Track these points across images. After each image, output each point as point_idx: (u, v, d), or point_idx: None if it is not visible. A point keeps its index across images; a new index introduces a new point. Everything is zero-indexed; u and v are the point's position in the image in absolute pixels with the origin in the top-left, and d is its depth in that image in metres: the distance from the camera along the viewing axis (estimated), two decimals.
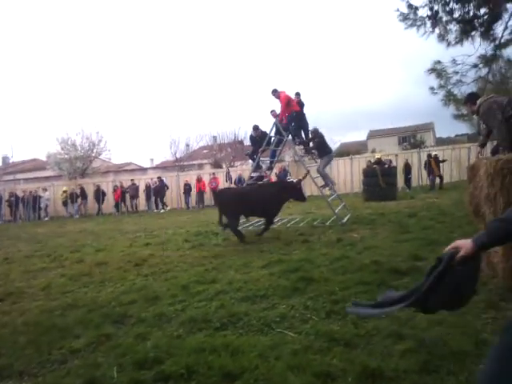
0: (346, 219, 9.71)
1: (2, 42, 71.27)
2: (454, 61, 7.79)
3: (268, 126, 11.04)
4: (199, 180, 21.56)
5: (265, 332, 3.47)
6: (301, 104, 11.26)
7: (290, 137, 10.97)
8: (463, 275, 1.62)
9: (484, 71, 7.79)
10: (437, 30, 7.75)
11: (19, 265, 7.68)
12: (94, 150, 30.52)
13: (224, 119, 72.73)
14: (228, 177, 22.23)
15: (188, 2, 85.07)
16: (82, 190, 22.79)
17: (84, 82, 79.45)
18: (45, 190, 23.58)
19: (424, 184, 20.34)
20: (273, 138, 10.99)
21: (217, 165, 33.10)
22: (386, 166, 16.93)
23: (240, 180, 19.82)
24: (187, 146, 37.68)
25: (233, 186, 21.11)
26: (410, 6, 7.80)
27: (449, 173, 20.46)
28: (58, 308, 4.60)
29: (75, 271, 6.59)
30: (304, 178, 9.66)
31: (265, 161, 12.06)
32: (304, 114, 11.28)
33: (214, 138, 39.02)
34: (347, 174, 21.45)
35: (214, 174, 22.74)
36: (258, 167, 11.55)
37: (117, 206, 22.41)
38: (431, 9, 7.60)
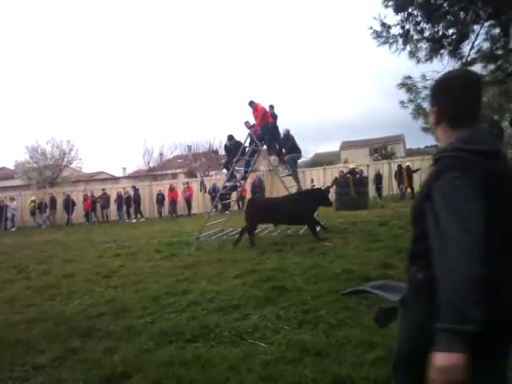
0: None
1: None
2: (423, 76, 8.09)
3: (242, 136, 11.08)
4: (172, 189, 21.31)
5: (237, 343, 3.43)
6: (274, 116, 11.39)
7: (264, 147, 11.05)
8: None
9: None
10: (408, 48, 8.05)
11: None
12: (65, 159, 29.77)
13: (199, 129, 72.47)
14: (202, 186, 22.09)
15: (155, 17, 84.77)
16: (52, 200, 22.12)
17: (55, 88, 77.80)
18: (12, 199, 22.75)
19: (394, 193, 20.78)
20: (247, 148, 11.03)
21: (191, 174, 32.88)
22: (358, 175, 17.24)
23: (214, 189, 19.70)
24: (161, 155, 37.32)
25: (207, 195, 21.06)
26: (383, 24, 8.07)
27: (418, 182, 20.95)
28: (22, 322, 4.42)
29: (41, 283, 6.36)
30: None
31: (239, 170, 12.03)
32: (277, 127, 11.41)
33: (189, 147, 38.82)
34: (320, 184, 21.65)
35: (187, 183, 22.55)
36: (232, 177, 11.53)
37: (87, 215, 21.86)
38: (403, 27, 7.90)
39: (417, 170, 19.87)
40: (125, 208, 21.63)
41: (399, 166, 20.01)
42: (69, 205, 21.93)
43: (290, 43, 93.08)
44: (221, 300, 4.62)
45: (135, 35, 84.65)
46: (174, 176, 34.56)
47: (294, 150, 11.49)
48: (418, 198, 1.51)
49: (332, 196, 18.84)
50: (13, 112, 60.92)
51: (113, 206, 21.93)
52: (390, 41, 8.11)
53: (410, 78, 8.25)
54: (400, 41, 8.07)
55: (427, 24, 7.78)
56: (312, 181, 20.59)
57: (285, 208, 8.65)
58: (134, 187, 22.02)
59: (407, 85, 8.25)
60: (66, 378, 3.01)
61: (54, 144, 29.35)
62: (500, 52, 7.76)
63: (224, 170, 12.74)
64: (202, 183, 22.31)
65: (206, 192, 21.53)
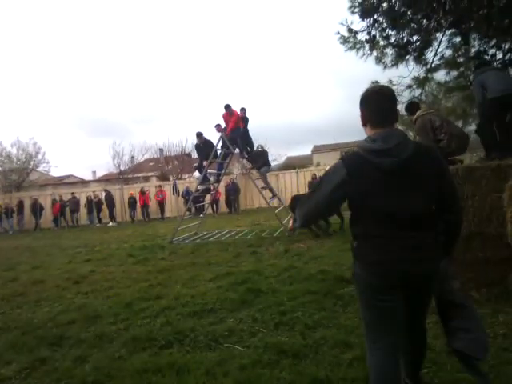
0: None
1: None
2: (390, 81, 8.26)
3: (212, 137, 11.06)
4: (143, 193, 20.93)
5: (212, 348, 3.37)
6: (245, 120, 11.39)
7: (236, 150, 11.02)
8: None
9: (418, 92, 8.35)
10: (374, 53, 8.20)
11: None
12: (31, 162, 28.82)
13: (170, 131, 71.42)
14: (175, 189, 21.83)
15: (121, 19, 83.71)
16: (19, 204, 21.34)
17: (20, 88, 75.24)
18: None
19: None
20: (219, 151, 10.97)
21: (164, 177, 32.42)
22: None
23: (188, 192, 19.50)
24: (132, 158, 36.67)
25: (180, 198, 20.82)
26: (349, 30, 8.21)
27: None
28: None
29: (8, 291, 6.10)
30: None
31: (212, 173, 11.95)
32: (248, 130, 11.44)
33: (161, 150, 38.32)
34: (293, 187, 21.82)
35: (160, 186, 22.23)
36: (205, 179, 11.43)
37: (56, 220, 21.21)
38: (369, 33, 8.04)
39: None
40: (95, 212, 21.13)
41: None
42: (37, 209, 21.20)
43: (262, 48, 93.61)
44: (195, 304, 4.54)
45: (100, 35, 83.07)
46: (146, 179, 34.01)
47: (267, 163, 11.80)
48: None
49: None
50: None
51: (83, 210, 21.38)
52: (357, 46, 8.26)
53: (376, 82, 8.41)
54: (367, 46, 8.23)
55: (392, 30, 7.98)
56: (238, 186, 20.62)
57: None
58: (106, 190, 21.52)
59: None
60: None
61: (19, 146, 28.47)
62: (461, 59, 8.05)
63: (196, 173, 12.62)
64: (174, 186, 22.04)
65: (179, 195, 21.30)
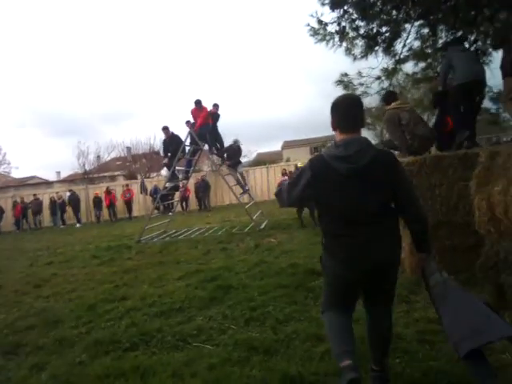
0: (263, 225, 9.74)
1: None
2: (359, 73, 8.26)
3: (183, 134, 10.78)
4: (109, 192, 20.31)
5: (180, 348, 3.23)
6: (217, 116, 11.18)
7: (205, 147, 10.82)
8: None
9: (386, 83, 8.38)
10: (344, 45, 8.16)
11: None
12: None
13: (137, 129, 69.89)
14: (143, 188, 21.34)
15: (90, 18, 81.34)
16: None
17: None
18: None
19: None
20: (188, 148, 10.74)
21: (131, 176, 31.71)
22: None
23: (156, 191, 19.08)
24: (98, 157, 35.70)
25: (148, 197, 20.36)
26: (319, 21, 8.14)
27: None
28: None
29: None
30: None
31: (181, 170, 11.69)
32: (217, 127, 11.26)
33: (128, 148, 37.49)
34: (264, 182, 21.79)
35: (127, 185, 21.67)
36: (173, 177, 11.17)
37: (17, 223, 20.32)
38: (339, 24, 8.01)
39: None
40: (59, 213, 20.38)
41: None
42: None
43: (232, 43, 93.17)
44: (163, 304, 4.36)
45: (72, 32, 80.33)
46: (113, 178, 33.15)
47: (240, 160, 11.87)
48: None
49: None
50: None
51: (46, 212, 20.58)
52: (327, 38, 8.20)
53: (346, 75, 8.40)
54: (336, 38, 8.19)
55: (362, 21, 7.96)
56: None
57: None
58: (70, 191, 20.75)
59: (344, 82, 8.39)
60: None
61: None
62: (429, 51, 8.12)
63: (164, 171, 12.34)
64: (142, 185, 21.54)
65: (147, 194, 20.82)
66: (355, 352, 2.16)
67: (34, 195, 20.83)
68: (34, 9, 75.07)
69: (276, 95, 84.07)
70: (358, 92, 8.28)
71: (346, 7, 7.74)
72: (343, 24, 7.99)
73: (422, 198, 4.09)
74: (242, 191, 11.60)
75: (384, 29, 8.04)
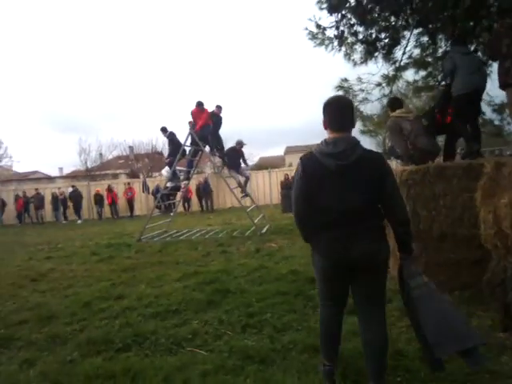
0: (264, 230, 9.66)
1: None
2: (359, 79, 8.16)
3: (183, 133, 10.74)
4: (110, 190, 20.28)
5: (174, 351, 3.15)
6: (219, 118, 11.10)
7: (207, 148, 10.73)
8: None
9: (387, 90, 8.27)
10: (343, 49, 8.08)
11: None
12: None
13: (139, 129, 69.59)
14: (145, 187, 21.31)
15: (95, 14, 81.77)
16: None
17: None
18: None
19: None
20: (188, 149, 10.69)
21: (133, 175, 31.70)
22: None
23: (158, 190, 19.05)
24: (100, 155, 35.75)
25: (150, 196, 20.31)
26: (318, 25, 8.07)
27: None
28: None
29: None
30: None
31: (182, 170, 11.63)
32: (219, 129, 11.20)
33: (131, 148, 37.53)
34: (266, 187, 21.71)
35: (129, 183, 21.65)
36: (174, 176, 11.11)
37: (19, 216, 20.33)
38: (338, 28, 7.93)
39: None
40: (62, 209, 20.37)
41: None
42: None
43: (237, 47, 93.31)
44: (159, 305, 4.29)
45: (69, 28, 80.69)
46: (115, 176, 33.15)
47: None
48: None
49: (278, 198, 19.01)
50: None
51: (48, 207, 20.57)
52: (326, 42, 8.12)
53: (346, 80, 8.30)
54: (335, 42, 8.11)
55: (360, 27, 7.86)
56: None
57: None
58: (73, 186, 20.73)
59: (344, 87, 8.29)
60: None
61: None
62: (430, 59, 8.02)
63: (164, 170, 12.23)
64: (144, 184, 21.50)
65: (149, 193, 20.79)
66: (339, 354, 2.55)
67: (36, 190, 20.83)
68: (42, 9, 75.46)
69: (279, 101, 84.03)
70: (358, 98, 8.20)
71: (343, 12, 7.65)
72: (342, 28, 7.91)
73: (426, 208, 4.01)
74: (243, 194, 11.51)
75: (383, 35, 7.95)
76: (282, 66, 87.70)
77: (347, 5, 7.45)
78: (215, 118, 10.79)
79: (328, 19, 7.89)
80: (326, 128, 2.38)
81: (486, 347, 2.66)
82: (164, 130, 11.38)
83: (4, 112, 58.73)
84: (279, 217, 13.61)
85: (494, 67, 6.57)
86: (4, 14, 64.95)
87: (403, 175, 4.09)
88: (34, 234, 14.43)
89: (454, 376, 2.48)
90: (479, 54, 6.73)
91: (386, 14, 7.56)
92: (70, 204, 20.19)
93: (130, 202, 20.63)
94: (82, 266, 6.84)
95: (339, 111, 2.33)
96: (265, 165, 32.78)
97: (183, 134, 10.51)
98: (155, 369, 2.78)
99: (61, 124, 67.40)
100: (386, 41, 7.92)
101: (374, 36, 7.87)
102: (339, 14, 7.64)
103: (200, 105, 10.43)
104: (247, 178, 11.86)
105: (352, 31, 7.87)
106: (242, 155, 11.59)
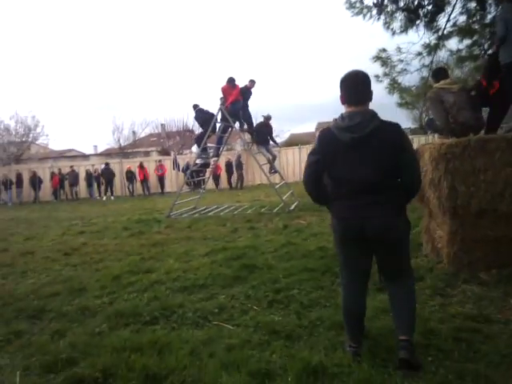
0: (293, 206, 9.56)
1: None
2: (398, 49, 7.75)
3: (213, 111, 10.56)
4: (142, 167, 20.63)
5: (200, 325, 3.15)
6: (249, 93, 10.90)
7: (237, 125, 10.59)
8: None
9: (428, 60, 7.82)
10: (382, 18, 7.65)
11: None
12: (30, 135, 28.47)
13: (171, 107, 70.10)
14: (176, 164, 21.52)
15: None
16: (18, 177, 21.10)
17: (18, 61, 73.99)
18: None
19: None
20: (218, 124, 10.59)
21: (165, 152, 32.05)
22: None
23: (188, 168, 19.20)
24: (133, 132, 36.27)
25: (181, 173, 20.50)
26: None
27: None
28: None
29: None
30: None
31: (212, 147, 11.57)
32: (248, 105, 11.00)
33: (163, 125, 37.82)
34: (296, 163, 21.49)
35: (160, 161, 21.92)
36: (204, 153, 11.09)
37: (55, 193, 21.03)
38: None
39: None
40: (95, 185, 20.91)
41: None
42: (35, 182, 21.04)
43: (268, 21, 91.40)
44: (187, 279, 4.31)
45: (107, 9, 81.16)
46: (147, 154, 33.65)
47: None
48: None
49: None
50: None
51: (82, 184, 21.15)
52: (364, 11, 7.72)
53: (384, 50, 7.91)
54: (374, 11, 7.69)
55: None
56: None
57: None
58: (106, 164, 21.18)
59: (381, 58, 7.91)
60: (3, 364, 2.67)
61: (17, 119, 28.07)
62: (476, 27, 7.48)
63: (194, 147, 12.23)
64: (175, 161, 21.71)
65: (179, 170, 20.99)
66: (365, 333, 2.57)
67: (71, 167, 21.42)
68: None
69: (313, 76, 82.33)
70: (397, 69, 7.83)
71: None
72: None
73: (464, 183, 3.79)
74: (272, 170, 11.39)
75: (426, 1, 7.46)
76: (315, 36, 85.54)
77: None
78: (246, 92, 10.60)
79: None
80: (343, 103, 2.40)
81: None
82: (194, 107, 11.30)
83: (41, 91, 60.36)
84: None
85: None
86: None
87: (442, 149, 3.85)
88: (69, 209, 14.89)
89: (490, 357, 2.35)
90: None
91: None
92: (102, 180, 20.68)
93: (161, 179, 20.94)
94: (113, 241, 6.98)
95: (355, 85, 2.34)
96: (295, 141, 32.35)
97: (214, 111, 10.40)
98: (181, 342, 2.78)
99: (96, 102, 68.73)
100: (429, 8, 7.43)
101: (416, 3, 7.40)
102: None
103: (231, 81, 10.24)
104: (274, 157, 11.69)
105: None
106: (270, 130, 11.40)
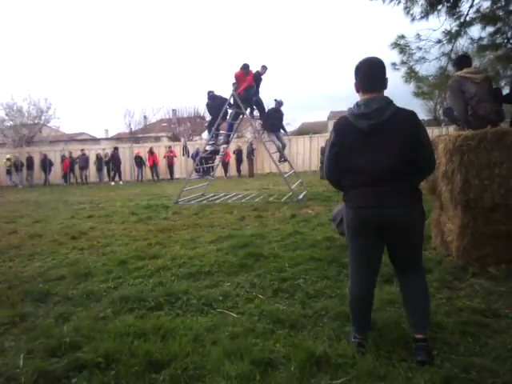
0: (301, 196, 9.50)
1: None
2: (418, 35, 7.52)
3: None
4: (151, 153, 20.63)
5: (205, 312, 3.14)
6: (259, 79, 10.73)
7: (248, 111, 10.45)
8: None
9: (448, 48, 7.58)
10: (402, 2, 7.41)
11: None
12: (42, 118, 28.58)
13: (182, 93, 69.94)
14: (185, 151, 21.48)
15: None
16: (29, 159, 21.25)
17: (32, 45, 74.19)
18: None
19: None
20: (230, 111, 10.48)
21: (175, 138, 32.05)
22: None
23: (197, 154, 19.16)
24: (145, 117, 36.26)
25: (190, 160, 20.46)
26: None
27: None
28: None
29: (4, 243, 5.96)
30: None
31: (222, 134, 11.47)
32: (259, 91, 10.83)
33: (174, 111, 37.75)
34: (306, 152, 21.30)
35: (170, 147, 21.88)
36: (214, 140, 11.00)
37: (65, 176, 21.17)
38: None
39: None
40: (105, 169, 21.00)
41: None
42: (46, 165, 21.18)
43: (282, 7, 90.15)
44: (192, 266, 4.30)
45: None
46: (157, 139, 33.66)
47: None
48: None
49: (317, 165, 18.62)
50: None
51: (92, 168, 21.24)
52: None
53: (403, 37, 7.69)
54: None
55: None
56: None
57: None
58: (115, 148, 21.20)
59: (400, 45, 7.69)
60: (8, 347, 2.68)
61: (30, 102, 28.11)
62: (501, 13, 7.20)
63: (205, 134, 12.14)
64: (184, 147, 21.67)
65: (189, 156, 20.95)
66: (371, 326, 2.54)
67: (82, 150, 21.47)
68: None
69: (327, 63, 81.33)
70: (414, 57, 7.61)
71: None
72: None
73: (478, 176, 3.70)
74: (281, 159, 11.30)
75: None
76: (330, 26, 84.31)
77: None
78: (257, 79, 10.44)
79: None
80: (358, 91, 2.38)
81: None
82: (208, 93, 11.14)
83: (54, 74, 60.46)
84: (317, 183, 13.36)
85: None
86: None
87: (457, 141, 3.76)
88: (78, 193, 14.99)
89: (497, 351, 2.32)
90: None
91: None
92: (112, 165, 20.74)
93: (170, 165, 20.93)
94: (121, 226, 7.00)
95: (370, 72, 2.31)
96: (306, 130, 32.09)
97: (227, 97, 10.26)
98: (185, 329, 2.77)
99: (108, 86, 68.84)
100: None
101: None
102: None
103: (245, 68, 10.06)
104: (284, 145, 11.56)
105: None
106: (281, 116, 11.25)
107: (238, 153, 20.61)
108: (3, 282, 4.06)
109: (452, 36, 7.36)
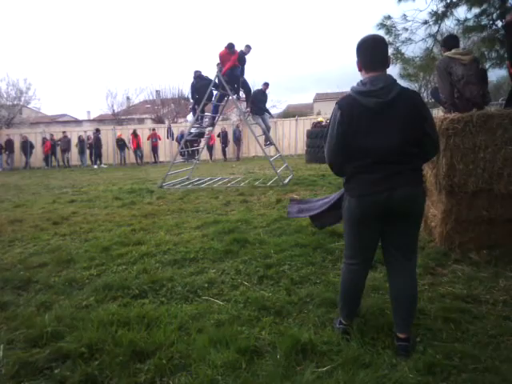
0: (287, 180, 9.49)
1: None
2: (404, 16, 7.48)
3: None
4: (135, 135, 20.26)
5: (189, 300, 3.12)
6: (244, 60, 10.53)
7: (234, 93, 10.28)
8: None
9: (434, 29, 7.55)
10: None
11: None
12: (22, 99, 27.80)
13: (166, 73, 68.68)
14: (170, 133, 21.21)
15: None
16: (8, 142, 20.70)
17: (10, 23, 71.50)
18: None
19: None
20: (215, 93, 10.31)
21: (159, 120, 31.55)
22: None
23: (182, 136, 18.91)
24: (128, 98, 35.52)
25: (175, 143, 20.21)
26: None
27: None
28: None
29: None
30: None
31: (207, 116, 11.30)
32: (244, 71, 10.65)
33: (158, 92, 37.06)
34: (292, 135, 21.23)
35: (154, 129, 21.55)
36: (198, 122, 10.83)
37: (46, 159, 20.72)
38: None
39: None
40: (88, 152, 20.61)
41: None
42: (26, 147, 20.71)
43: None
44: (177, 252, 4.26)
45: None
46: (141, 121, 33.11)
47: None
48: None
49: (303, 148, 18.59)
50: None
51: (74, 150, 20.82)
52: None
53: (389, 18, 7.63)
54: None
55: None
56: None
57: None
58: (97, 130, 20.76)
59: (386, 25, 7.63)
60: None
61: (9, 82, 27.31)
62: None
63: (190, 116, 11.95)
64: (169, 130, 21.39)
65: (173, 139, 20.71)
66: (357, 313, 2.58)
67: (64, 133, 21.02)
68: None
69: (313, 44, 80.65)
70: (401, 38, 7.57)
71: None
72: None
73: (463, 161, 3.71)
74: (267, 142, 11.24)
75: None
76: (316, 6, 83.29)
77: None
78: (241, 59, 10.24)
79: None
80: (360, 69, 2.31)
81: None
82: (195, 73, 10.84)
83: (33, 53, 58.57)
84: (303, 167, 13.38)
85: None
86: None
87: (444, 124, 3.74)
88: (60, 177, 14.70)
89: (478, 337, 2.36)
90: None
91: None
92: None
93: (155, 148, 20.65)
94: (104, 211, 6.89)
95: (374, 50, 2.26)
96: (292, 113, 31.92)
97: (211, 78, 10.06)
98: (170, 317, 2.75)
99: (89, 66, 67.11)
100: None
101: None
102: None
103: (231, 47, 9.81)
104: (269, 128, 11.49)
105: None
106: (265, 99, 11.15)
107: (224, 135, 20.42)
108: None
109: (438, 17, 7.33)
